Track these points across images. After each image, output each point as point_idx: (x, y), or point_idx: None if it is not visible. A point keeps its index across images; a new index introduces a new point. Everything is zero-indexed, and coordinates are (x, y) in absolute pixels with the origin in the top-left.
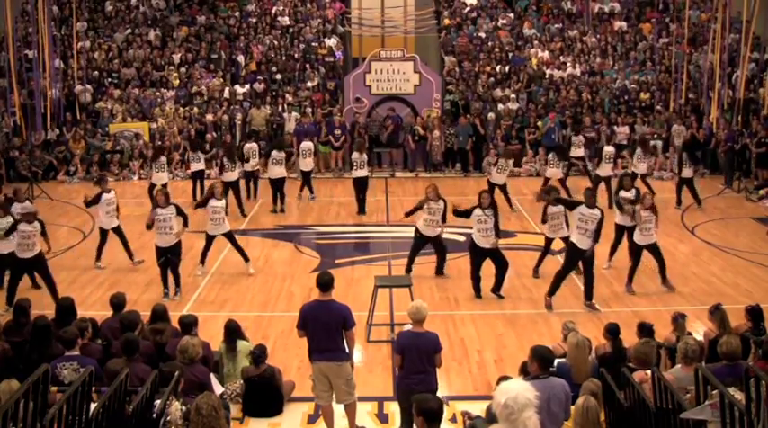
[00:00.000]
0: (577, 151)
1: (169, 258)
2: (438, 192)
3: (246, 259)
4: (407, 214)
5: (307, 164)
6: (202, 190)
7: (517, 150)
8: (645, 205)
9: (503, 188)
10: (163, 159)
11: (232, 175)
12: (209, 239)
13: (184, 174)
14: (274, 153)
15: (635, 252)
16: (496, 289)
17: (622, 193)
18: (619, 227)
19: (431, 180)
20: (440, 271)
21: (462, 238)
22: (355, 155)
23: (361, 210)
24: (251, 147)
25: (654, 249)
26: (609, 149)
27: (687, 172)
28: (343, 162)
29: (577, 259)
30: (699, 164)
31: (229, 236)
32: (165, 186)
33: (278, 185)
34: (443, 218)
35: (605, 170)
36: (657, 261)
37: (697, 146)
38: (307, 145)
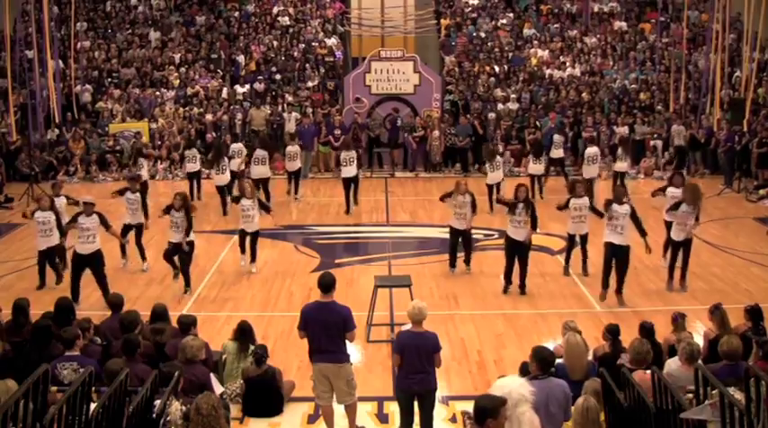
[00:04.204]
0: (557, 152)
1: (180, 255)
2: (467, 187)
3: (253, 260)
4: (441, 198)
5: (292, 165)
6: (199, 189)
7: (517, 150)
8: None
9: (498, 187)
10: (141, 160)
11: (224, 178)
12: (242, 235)
13: (184, 175)
14: (257, 152)
15: (672, 249)
16: (521, 285)
17: (672, 190)
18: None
19: (431, 180)
20: (467, 262)
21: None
22: (343, 154)
23: (348, 210)
24: (237, 147)
25: (686, 246)
26: (592, 151)
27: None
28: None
29: (616, 256)
30: (683, 166)
31: (255, 235)
32: (144, 184)
33: (261, 185)
34: (473, 210)
35: (589, 171)
36: (684, 258)
37: (697, 146)
38: (292, 148)
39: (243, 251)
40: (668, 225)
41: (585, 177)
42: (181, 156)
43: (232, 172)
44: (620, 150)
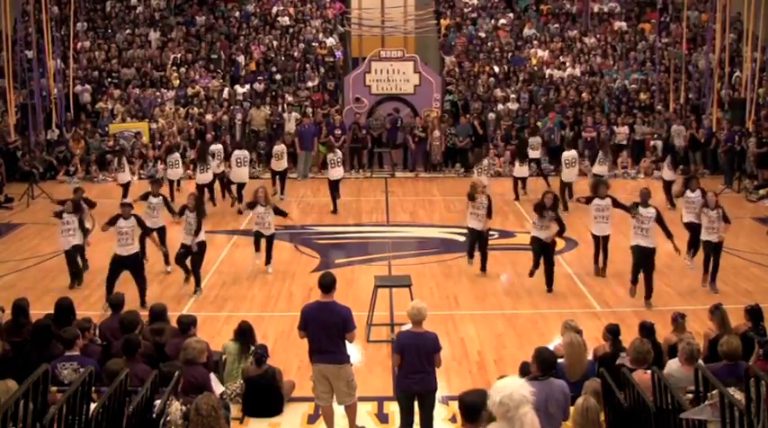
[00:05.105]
0: (534, 153)
1: (192, 256)
2: (483, 189)
3: (268, 261)
4: (470, 198)
5: (280, 165)
6: (174, 191)
7: (510, 152)
8: (710, 204)
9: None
10: (124, 160)
11: (206, 177)
12: (257, 236)
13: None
14: (237, 153)
15: (704, 250)
16: (548, 284)
17: (687, 194)
18: (689, 225)
19: (431, 180)
20: (483, 267)
21: (462, 238)
22: (330, 155)
23: (335, 210)
24: (217, 148)
25: (716, 248)
26: (569, 154)
27: (668, 174)
28: (343, 162)
29: (644, 258)
30: (677, 167)
31: (270, 237)
32: (127, 185)
33: (241, 186)
34: (489, 213)
35: (568, 174)
36: (714, 260)
37: (697, 146)
38: (279, 147)
39: (258, 249)
40: (689, 227)
41: (564, 180)
42: (164, 160)
43: (215, 174)
44: (600, 153)
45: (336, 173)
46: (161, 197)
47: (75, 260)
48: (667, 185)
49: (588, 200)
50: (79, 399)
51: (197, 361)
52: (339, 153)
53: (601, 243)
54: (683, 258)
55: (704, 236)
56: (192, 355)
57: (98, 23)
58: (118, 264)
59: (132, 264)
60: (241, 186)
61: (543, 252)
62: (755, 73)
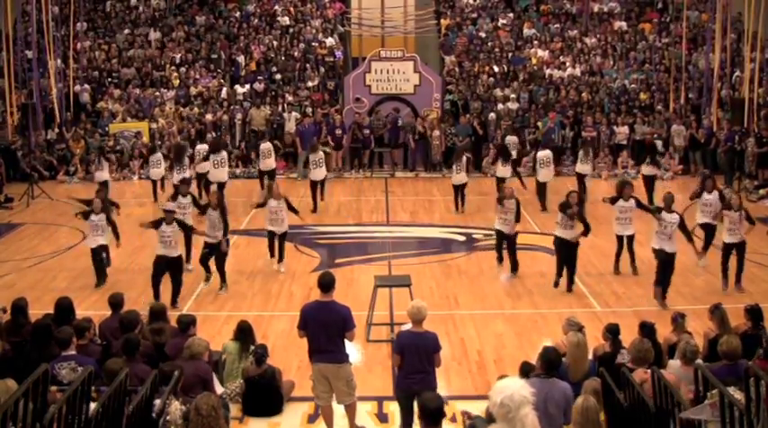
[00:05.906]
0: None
1: (216, 253)
2: (513, 192)
3: (281, 259)
4: (498, 201)
5: (267, 164)
6: (157, 191)
7: (517, 150)
8: (734, 206)
9: (463, 188)
10: (103, 162)
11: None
12: (271, 237)
13: (146, 177)
14: (213, 156)
15: (724, 252)
16: (569, 284)
17: (705, 196)
18: (705, 226)
19: (431, 180)
20: (513, 269)
21: (462, 238)
22: (311, 155)
23: (315, 209)
24: (201, 148)
25: (739, 249)
26: (544, 153)
27: (647, 169)
28: (343, 162)
29: (670, 262)
30: (659, 164)
31: (283, 235)
32: (105, 184)
33: (221, 186)
34: (517, 217)
35: (543, 175)
36: (738, 261)
37: (697, 146)
38: (266, 146)
39: (272, 254)
40: (704, 228)
41: (539, 180)
42: (146, 160)
43: (199, 174)
44: (581, 152)
45: (319, 174)
46: (190, 196)
47: (101, 257)
48: (647, 181)
49: (613, 201)
50: (79, 399)
51: (200, 356)
52: (321, 154)
53: (625, 242)
54: (698, 260)
55: (726, 238)
56: (196, 350)
57: (98, 23)
58: (162, 265)
59: (174, 266)
60: (221, 186)
61: (569, 254)
62: (755, 72)
